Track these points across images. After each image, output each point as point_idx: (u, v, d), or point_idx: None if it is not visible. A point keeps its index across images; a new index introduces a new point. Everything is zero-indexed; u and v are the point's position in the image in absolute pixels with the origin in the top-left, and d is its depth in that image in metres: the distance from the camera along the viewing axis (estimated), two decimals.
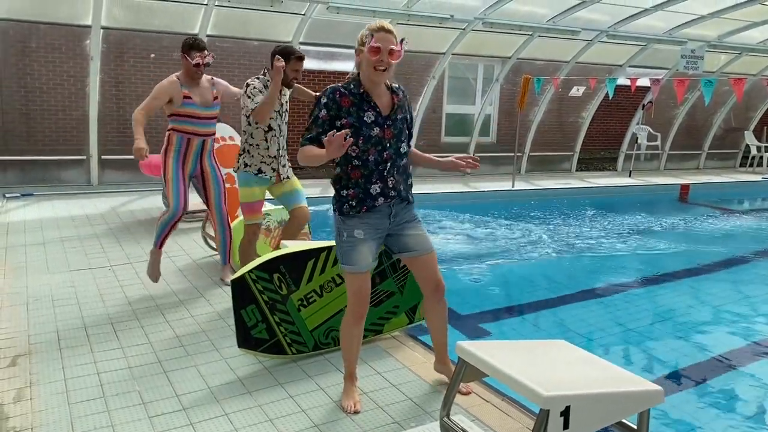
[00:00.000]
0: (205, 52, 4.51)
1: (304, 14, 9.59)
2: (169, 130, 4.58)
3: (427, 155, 3.21)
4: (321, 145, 2.78)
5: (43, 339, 3.78)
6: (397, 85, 3.00)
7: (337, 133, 2.60)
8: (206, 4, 9.01)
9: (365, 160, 2.85)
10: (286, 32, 9.98)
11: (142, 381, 3.27)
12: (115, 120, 9.55)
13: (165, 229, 4.55)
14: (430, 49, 11.20)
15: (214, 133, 4.75)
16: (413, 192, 3.10)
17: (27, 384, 3.22)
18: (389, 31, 2.79)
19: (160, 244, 4.62)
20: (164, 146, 4.60)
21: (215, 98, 4.65)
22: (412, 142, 3.14)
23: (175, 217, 4.49)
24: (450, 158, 3.05)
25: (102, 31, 8.90)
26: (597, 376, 2.32)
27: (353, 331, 3.04)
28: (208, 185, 4.75)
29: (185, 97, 4.48)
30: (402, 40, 2.86)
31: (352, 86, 2.86)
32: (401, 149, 2.94)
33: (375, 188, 2.88)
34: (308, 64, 10.99)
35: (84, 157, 9.38)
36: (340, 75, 11.37)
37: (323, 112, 2.84)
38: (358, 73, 2.89)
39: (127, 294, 4.65)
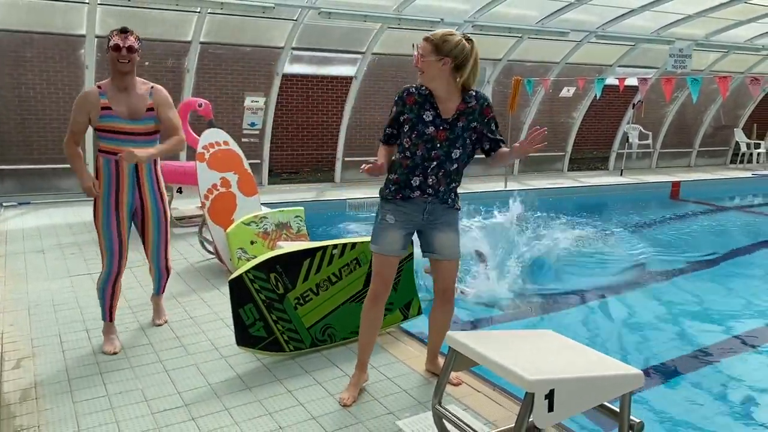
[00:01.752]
0: (130, 34, 3.56)
1: (296, 20, 9.70)
2: (97, 152, 3.67)
3: (508, 150, 3.16)
4: (388, 140, 3.17)
5: (45, 342, 3.87)
6: (474, 92, 3.11)
7: (378, 164, 2.99)
8: (199, 12, 9.12)
9: (414, 153, 3.05)
10: (278, 38, 10.09)
11: (144, 379, 3.37)
12: None
13: (105, 294, 3.74)
14: None
15: None
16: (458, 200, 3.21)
17: (32, 384, 3.31)
18: (426, 39, 3.02)
19: (108, 314, 3.79)
20: (93, 175, 3.67)
21: (149, 109, 3.64)
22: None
23: (110, 276, 3.69)
24: (519, 143, 3.01)
25: (96, 40, 8.99)
26: (580, 362, 2.43)
27: (371, 312, 3.17)
28: (147, 223, 3.79)
29: (104, 107, 3.54)
30: (414, 45, 3.07)
31: (423, 88, 3.07)
32: (453, 154, 3.06)
33: (415, 180, 3.07)
34: (302, 68, 11.15)
35: None
36: (333, 79, 11.50)
37: (394, 108, 3.12)
38: None
39: (127, 297, 4.74)
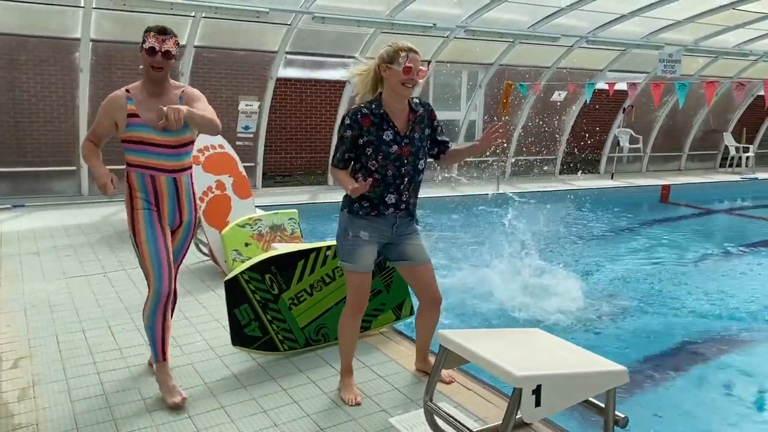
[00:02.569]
0: (169, 37, 3.07)
1: (290, 24, 9.78)
2: (126, 165, 3.22)
3: (462, 147, 3.31)
4: (346, 164, 3.10)
5: (42, 342, 3.92)
6: (418, 101, 3.17)
7: (364, 183, 2.90)
8: (193, 16, 9.18)
9: (384, 174, 3.04)
10: (272, 42, 10.17)
11: (140, 379, 3.42)
12: None
13: (155, 324, 3.12)
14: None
15: (187, 168, 3.29)
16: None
17: (30, 384, 3.36)
18: (417, 52, 3.03)
19: (161, 351, 3.16)
20: (126, 193, 3.23)
21: None
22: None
23: (161, 298, 3.08)
24: (479, 140, 3.14)
25: (91, 43, 9.04)
26: (567, 358, 2.51)
27: (351, 324, 3.21)
28: (176, 235, 3.34)
29: (130, 114, 3.11)
30: (429, 62, 3.09)
31: (373, 106, 3.05)
32: (419, 166, 3.14)
33: (390, 198, 3.08)
34: (294, 73, 11.21)
35: (74, 168, 9.49)
36: (326, 83, 11.57)
37: (348, 132, 3.03)
38: (380, 93, 3.08)
39: (123, 299, 4.80)
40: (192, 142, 3.31)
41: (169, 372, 3.18)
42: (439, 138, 3.23)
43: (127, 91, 3.18)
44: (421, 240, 3.27)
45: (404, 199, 3.12)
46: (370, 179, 2.97)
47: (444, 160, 3.28)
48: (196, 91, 3.29)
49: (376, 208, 3.08)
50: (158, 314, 3.10)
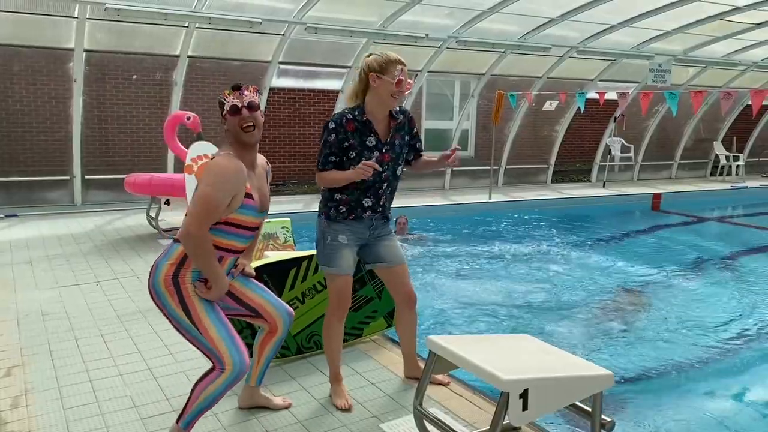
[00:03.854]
0: (245, 89, 2.74)
1: (283, 35, 9.85)
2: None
3: (432, 159, 3.38)
4: (337, 167, 3.09)
5: (35, 351, 3.93)
6: (398, 109, 3.24)
7: (372, 162, 2.96)
8: (187, 26, 9.24)
9: (364, 179, 3.06)
10: (266, 52, 10.23)
11: (133, 386, 3.44)
12: (98, 140, 9.71)
13: (216, 400, 2.70)
14: (408, 67, 11.46)
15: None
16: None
17: (22, 392, 3.37)
18: (405, 64, 3.11)
19: (194, 424, 2.76)
20: (171, 267, 2.64)
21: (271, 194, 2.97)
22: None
23: (239, 377, 2.64)
24: (442, 155, 3.24)
25: (84, 53, 9.08)
26: (554, 363, 2.55)
27: (334, 329, 3.25)
28: (238, 291, 2.90)
29: (247, 194, 2.68)
30: (415, 75, 3.18)
31: (356, 113, 3.11)
32: (397, 172, 3.24)
33: (367, 201, 3.15)
34: (288, 82, 11.28)
35: (68, 178, 9.50)
36: (319, 93, 11.64)
37: (332, 136, 3.07)
38: (363, 101, 3.13)
39: (115, 307, 4.81)
40: None
41: None
42: (417, 146, 3.35)
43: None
44: (395, 240, 3.35)
45: (381, 203, 3.21)
46: (378, 161, 3.06)
47: (414, 167, 3.41)
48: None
49: (353, 212, 3.14)
50: (226, 392, 2.67)
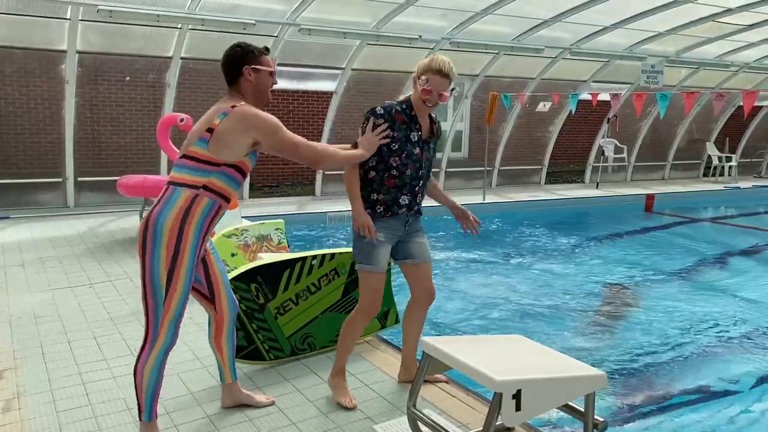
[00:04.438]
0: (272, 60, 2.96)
1: (276, 36, 9.84)
2: (199, 188, 2.72)
3: (439, 193, 3.51)
4: (375, 155, 3.12)
5: (27, 354, 3.91)
6: (435, 116, 3.31)
7: (374, 235, 3.06)
8: (180, 28, 9.22)
9: (402, 173, 3.13)
10: None
11: (126, 389, 3.43)
12: (91, 142, 9.67)
13: (160, 376, 2.78)
14: (401, 69, 11.52)
15: None
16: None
17: (15, 395, 3.35)
18: (446, 76, 3.10)
19: (155, 410, 2.83)
20: (177, 219, 2.67)
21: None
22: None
23: (168, 351, 2.78)
24: (462, 209, 3.39)
25: (77, 55, 9.05)
26: (547, 364, 2.56)
27: (358, 328, 3.27)
28: (210, 260, 3.00)
29: (255, 142, 2.80)
30: (453, 89, 3.21)
31: (405, 106, 3.17)
32: (430, 171, 3.31)
33: (404, 199, 3.18)
34: (282, 84, 11.23)
35: (60, 180, 9.47)
36: (313, 94, 11.63)
37: (380, 120, 3.11)
38: (409, 96, 3.21)
39: (108, 310, 4.80)
40: None
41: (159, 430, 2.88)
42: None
43: None
44: (425, 237, 3.38)
45: (417, 200, 3.25)
46: (417, 157, 3.13)
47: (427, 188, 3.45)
48: None
49: (390, 209, 3.17)
50: (163, 368, 2.77)
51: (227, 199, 2.83)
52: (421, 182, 3.22)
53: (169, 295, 2.69)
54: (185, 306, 2.78)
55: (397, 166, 3.12)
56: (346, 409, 3.20)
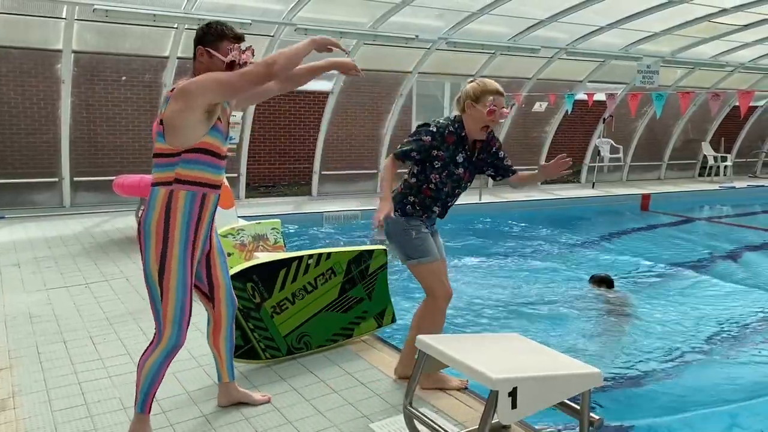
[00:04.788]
0: (248, 49, 2.78)
1: (273, 36, 9.83)
2: (171, 183, 2.66)
3: (526, 174, 3.50)
4: (406, 161, 3.23)
5: (23, 353, 3.90)
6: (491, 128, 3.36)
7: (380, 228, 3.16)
8: (176, 28, 9.21)
9: (440, 189, 3.27)
10: (256, 53, 10.19)
11: (122, 388, 3.42)
12: (87, 142, 9.65)
13: (159, 374, 2.78)
14: (398, 68, 11.53)
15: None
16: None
17: (10, 395, 3.34)
18: (503, 94, 3.20)
19: (150, 405, 2.82)
20: (160, 216, 2.65)
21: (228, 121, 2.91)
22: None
23: (174, 351, 2.77)
24: (542, 166, 3.31)
25: (73, 55, 9.03)
26: (543, 362, 2.56)
27: (442, 318, 3.36)
28: (214, 261, 2.96)
29: (206, 109, 2.65)
30: (512, 106, 3.28)
31: (457, 127, 3.24)
32: (468, 187, 3.43)
33: (435, 209, 3.34)
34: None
35: (56, 180, 9.44)
36: (309, 94, 11.63)
37: (428, 138, 3.19)
38: (460, 116, 3.26)
39: (104, 309, 4.79)
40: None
41: (151, 427, 2.87)
42: (499, 164, 3.42)
43: None
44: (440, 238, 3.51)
45: (446, 211, 3.42)
46: (458, 177, 3.26)
47: (513, 184, 3.50)
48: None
49: (425, 212, 3.31)
50: (165, 366, 2.77)
51: (213, 186, 2.74)
52: (455, 198, 3.38)
53: (164, 293, 2.69)
54: (187, 305, 2.73)
55: (436, 183, 3.25)
56: (460, 390, 3.33)
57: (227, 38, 2.71)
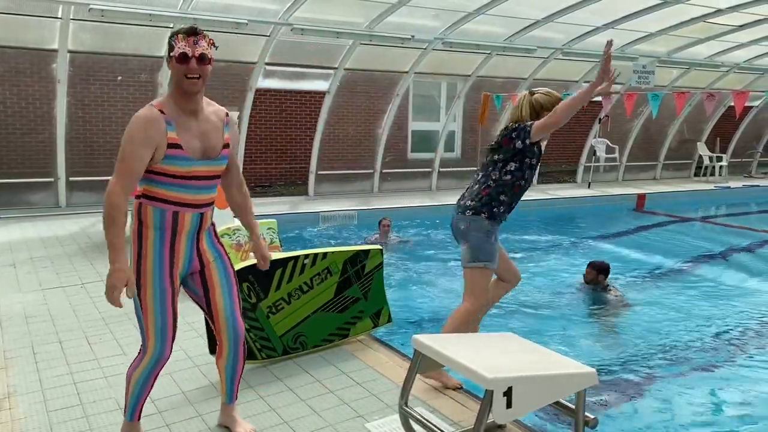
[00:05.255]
0: (201, 38, 2.57)
1: (269, 35, 9.83)
2: (139, 196, 2.64)
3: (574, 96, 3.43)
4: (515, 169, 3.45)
5: (18, 354, 3.90)
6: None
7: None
8: (172, 27, 9.19)
9: (525, 188, 3.51)
10: (252, 53, 10.20)
11: (117, 388, 3.42)
12: (82, 142, 9.64)
13: (146, 385, 2.73)
14: (394, 68, 11.54)
15: (213, 200, 2.77)
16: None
17: (5, 395, 3.34)
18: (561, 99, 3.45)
19: (138, 412, 2.80)
20: (134, 227, 2.64)
21: (225, 146, 2.71)
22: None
23: (159, 364, 2.69)
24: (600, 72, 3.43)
25: (69, 54, 9.02)
26: (538, 361, 2.57)
27: (474, 320, 3.51)
28: (211, 281, 2.79)
29: (171, 144, 2.52)
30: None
31: None
32: None
33: (513, 204, 3.52)
34: (275, 84, 11.26)
35: (52, 179, 9.42)
36: (306, 94, 11.63)
37: (539, 139, 3.39)
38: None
39: (100, 309, 4.78)
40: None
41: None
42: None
43: (162, 112, 2.53)
44: None
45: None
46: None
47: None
48: (236, 128, 2.84)
49: (507, 212, 3.50)
50: (151, 378, 2.72)
51: (187, 205, 2.61)
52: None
53: (142, 303, 2.63)
54: (168, 320, 2.65)
55: (526, 179, 3.46)
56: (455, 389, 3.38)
57: (177, 35, 2.57)
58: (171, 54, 2.55)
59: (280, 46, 10.12)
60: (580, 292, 6.28)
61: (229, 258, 2.87)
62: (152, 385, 2.76)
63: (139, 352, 2.72)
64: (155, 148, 2.50)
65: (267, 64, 10.42)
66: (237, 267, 3.66)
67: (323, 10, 9.71)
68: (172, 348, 2.72)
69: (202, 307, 2.86)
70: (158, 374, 2.75)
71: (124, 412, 2.80)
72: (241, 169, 3.01)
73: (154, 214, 2.59)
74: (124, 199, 2.47)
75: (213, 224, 2.85)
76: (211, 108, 2.73)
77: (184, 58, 2.51)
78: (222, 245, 2.88)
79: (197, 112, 2.62)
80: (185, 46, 2.52)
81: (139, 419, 2.82)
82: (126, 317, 4.59)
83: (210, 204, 2.73)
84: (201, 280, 2.77)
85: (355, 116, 11.95)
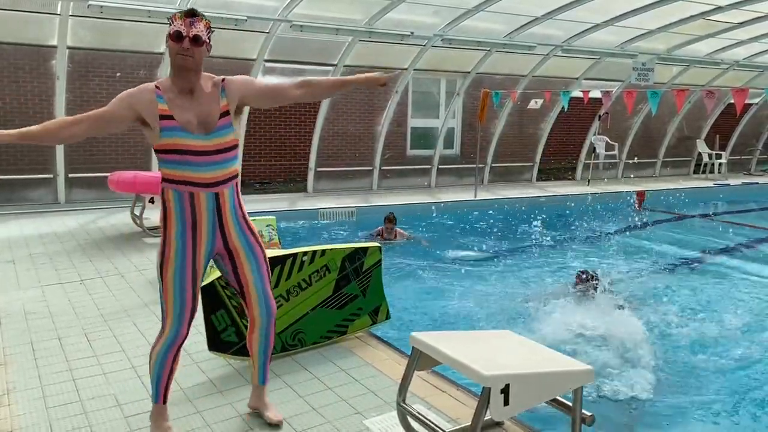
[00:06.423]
0: (198, 20, 2.70)
1: (268, 32, 9.82)
2: (162, 180, 2.75)
3: None
4: None
5: (18, 350, 3.91)
6: None
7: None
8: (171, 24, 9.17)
9: None
10: (251, 50, 10.19)
11: (116, 385, 3.43)
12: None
13: (165, 364, 2.81)
14: (394, 65, 11.52)
15: (231, 178, 2.81)
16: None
17: (4, 392, 3.35)
18: None
19: (163, 394, 2.86)
20: (161, 215, 2.79)
21: (224, 114, 2.75)
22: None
23: (177, 341, 2.79)
24: None
25: (68, 51, 9.01)
26: (535, 359, 2.58)
27: None
28: (241, 268, 2.89)
29: (163, 116, 2.65)
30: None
31: None
32: None
33: None
34: (274, 80, 11.22)
35: (51, 176, 9.42)
36: None
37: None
38: None
39: (99, 306, 4.79)
40: (236, 146, 2.82)
41: (166, 416, 2.90)
42: None
43: (157, 87, 2.69)
44: None
45: None
46: None
47: None
48: (238, 80, 2.87)
49: None
50: (169, 356, 2.81)
51: (199, 185, 2.69)
52: None
53: (164, 286, 2.77)
54: (187, 300, 2.77)
55: None
56: None
57: (176, 16, 2.71)
58: (168, 33, 2.68)
59: (279, 43, 10.11)
60: (576, 291, 6.28)
61: (260, 244, 2.96)
62: (172, 367, 2.85)
63: (160, 334, 2.84)
64: (138, 115, 2.66)
65: (266, 61, 10.41)
66: None
67: (322, 6, 9.70)
68: (189, 328, 2.83)
69: (233, 287, 2.97)
70: (177, 355, 2.83)
71: (154, 397, 2.89)
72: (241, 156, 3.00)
73: (174, 198, 2.72)
74: (69, 124, 2.69)
75: (244, 212, 2.92)
76: (210, 82, 2.83)
77: (178, 36, 2.64)
78: (254, 234, 2.95)
79: (193, 90, 2.73)
80: (181, 25, 2.65)
81: (164, 402, 2.88)
82: (125, 314, 4.61)
83: (224, 182, 2.77)
84: (230, 262, 2.89)
85: (354, 113, 11.94)
